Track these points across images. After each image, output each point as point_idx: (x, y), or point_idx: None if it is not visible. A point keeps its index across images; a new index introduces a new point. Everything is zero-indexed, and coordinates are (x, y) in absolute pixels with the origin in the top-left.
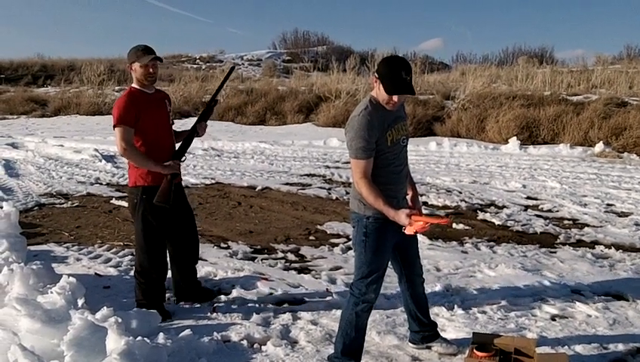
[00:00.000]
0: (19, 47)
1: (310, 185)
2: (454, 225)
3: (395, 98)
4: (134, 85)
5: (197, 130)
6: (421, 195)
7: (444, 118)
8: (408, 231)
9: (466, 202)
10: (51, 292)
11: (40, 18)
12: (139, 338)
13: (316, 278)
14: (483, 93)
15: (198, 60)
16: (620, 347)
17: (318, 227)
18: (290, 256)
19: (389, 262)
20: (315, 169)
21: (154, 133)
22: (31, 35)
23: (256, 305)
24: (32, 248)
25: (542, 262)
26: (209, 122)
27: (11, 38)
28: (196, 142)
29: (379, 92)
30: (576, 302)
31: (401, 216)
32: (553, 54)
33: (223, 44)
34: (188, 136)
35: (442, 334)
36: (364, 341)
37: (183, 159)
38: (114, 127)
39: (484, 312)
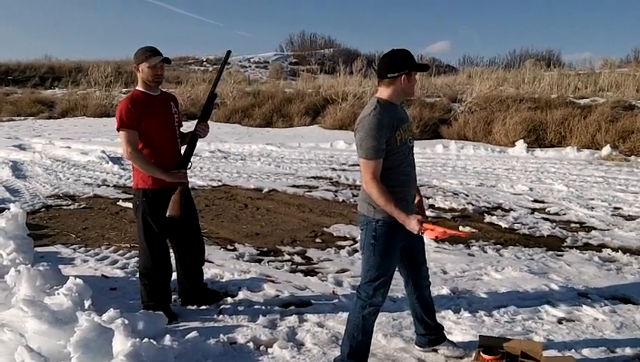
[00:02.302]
0: (26, 49)
1: (317, 187)
2: (461, 228)
3: (416, 77)
4: (138, 87)
5: (198, 133)
6: (428, 198)
7: (451, 120)
8: (428, 235)
9: (472, 205)
10: (58, 294)
11: (48, 20)
12: (145, 339)
13: (322, 281)
14: (490, 95)
15: (205, 62)
16: (628, 350)
17: (325, 229)
18: (297, 259)
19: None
20: (322, 171)
21: (157, 135)
22: (39, 37)
23: (263, 307)
24: (39, 249)
25: (549, 265)
26: (216, 124)
27: (19, 39)
28: (203, 145)
29: (410, 84)
30: (583, 306)
31: (412, 222)
32: (560, 57)
33: (231, 47)
34: (190, 142)
35: (449, 337)
36: (370, 344)
37: (188, 166)
38: (117, 129)
39: (490, 315)
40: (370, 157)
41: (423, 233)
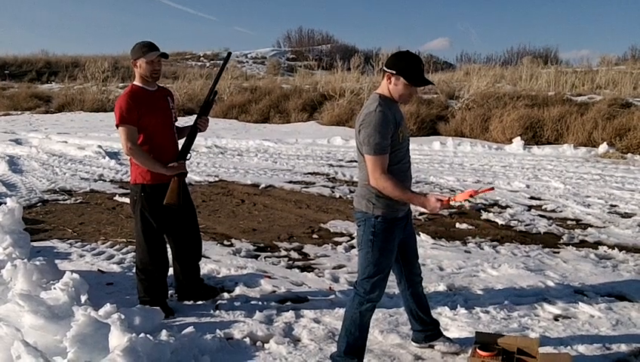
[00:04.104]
0: (23, 44)
1: (314, 183)
2: (457, 225)
3: (415, 90)
4: (136, 82)
5: (198, 126)
6: (424, 195)
7: (448, 117)
8: (461, 197)
9: (469, 202)
10: (54, 289)
11: (45, 15)
12: (142, 335)
13: (319, 277)
14: (487, 92)
15: (202, 58)
16: (623, 347)
17: (322, 225)
18: (294, 254)
19: None
20: (319, 167)
21: (156, 130)
22: (35, 31)
23: (259, 303)
24: (35, 244)
25: (545, 262)
26: (213, 120)
27: (16, 34)
28: (200, 140)
29: (395, 87)
30: (579, 303)
31: (430, 201)
32: (557, 54)
33: (228, 42)
34: (190, 134)
35: (445, 333)
36: (367, 340)
37: (188, 158)
38: (117, 126)
39: (487, 312)
40: (379, 153)
41: (453, 199)
